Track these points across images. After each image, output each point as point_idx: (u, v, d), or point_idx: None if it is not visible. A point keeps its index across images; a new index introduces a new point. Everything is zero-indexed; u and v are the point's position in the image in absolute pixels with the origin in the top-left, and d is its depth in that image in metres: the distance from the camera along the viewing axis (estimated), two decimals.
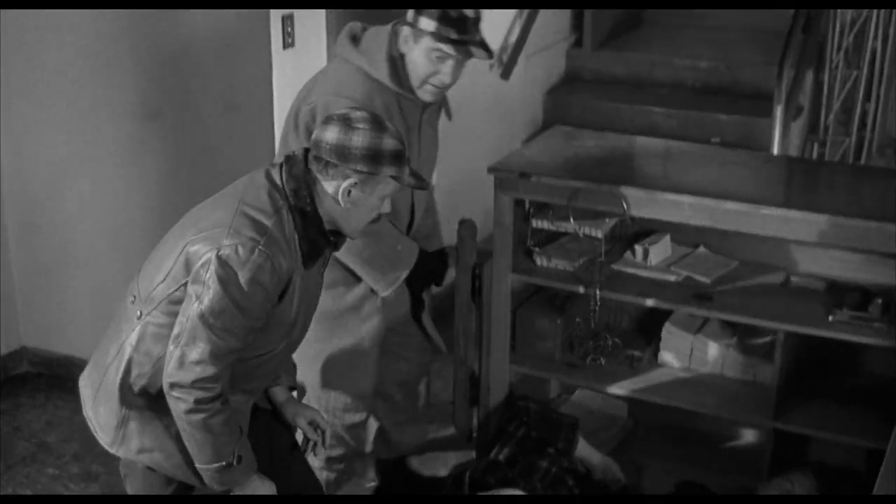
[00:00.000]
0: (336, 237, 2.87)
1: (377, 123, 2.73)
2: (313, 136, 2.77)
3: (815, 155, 6.26)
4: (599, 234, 3.88)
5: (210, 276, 2.66)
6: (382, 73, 3.33)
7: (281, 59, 4.28)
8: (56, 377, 5.07)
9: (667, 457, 4.17)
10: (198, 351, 2.68)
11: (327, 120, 2.76)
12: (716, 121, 6.09)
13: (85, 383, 3.00)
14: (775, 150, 5.15)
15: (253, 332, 2.76)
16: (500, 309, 3.96)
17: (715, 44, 6.99)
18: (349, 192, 2.73)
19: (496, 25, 5.81)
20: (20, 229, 4.91)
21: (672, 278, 3.90)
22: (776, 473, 3.80)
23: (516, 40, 5.92)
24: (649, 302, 3.85)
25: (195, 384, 2.69)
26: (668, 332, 4.09)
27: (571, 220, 3.84)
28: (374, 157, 2.70)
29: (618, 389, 4.02)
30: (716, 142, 5.85)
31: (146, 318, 2.81)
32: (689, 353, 4.05)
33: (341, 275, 3.57)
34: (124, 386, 2.85)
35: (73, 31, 4.52)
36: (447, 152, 5.21)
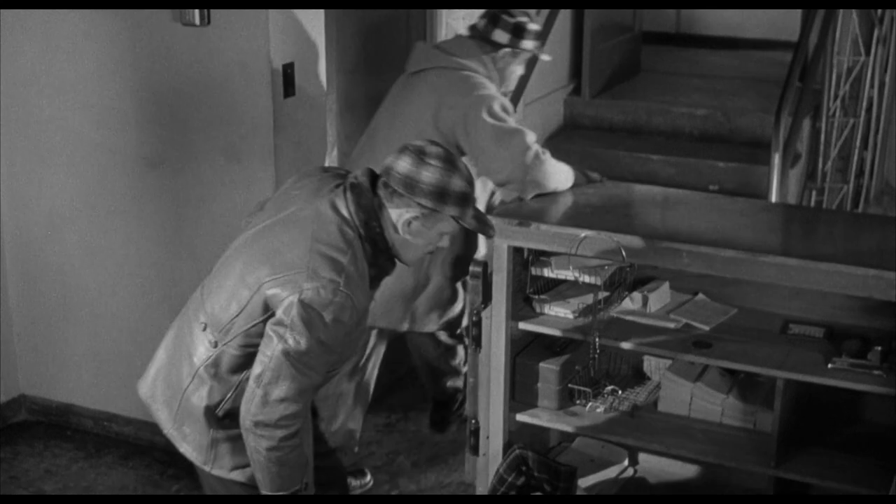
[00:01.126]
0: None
1: (449, 162, 2.81)
2: (386, 161, 2.84)
3: (812, 202, 6.29)
4: (598, 282, 3.88)
5: (294, 318, 2.72)
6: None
7: (281, 108, 4.31)
8: (54, 426, 5.05)
9: None
10: (282, 389, 2.74)
11: (402, 149, 2.84)
12: (713, 168, 6.12)
13: (155, 399, 3.05)
14: (773, 198, 5.17)
15: (332, 364, 2.86)
16: (498, 356, 3.96)
17: (712, 92, 7.05)
18: (410, 223, 2.82)
19: None
20: (20, 277, 4.91)
21: (671, 325, 3.90)
22: None
23: (515, 88, 5.95)
24: (648, 350, 3.85)
25: (279, 422, 2.75)
26: (668, 379, 4.08)
27: (571, 267, 3.85)
28: (439, 195, 2.78)
29: (617, 437, 4.00)
30: (714, 189, 5.87)
31: (222, 347, 2.87)
32: (688, 401, 4.04)
33: None
34: (209, 412, 2.92)
35: (73, 80, 4.55)
36: None
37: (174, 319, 3.15)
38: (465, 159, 3.22)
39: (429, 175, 2.76)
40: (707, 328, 3.88)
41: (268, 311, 2.79)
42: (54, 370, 5.01)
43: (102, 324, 4.82)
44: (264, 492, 2.85)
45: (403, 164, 2.79)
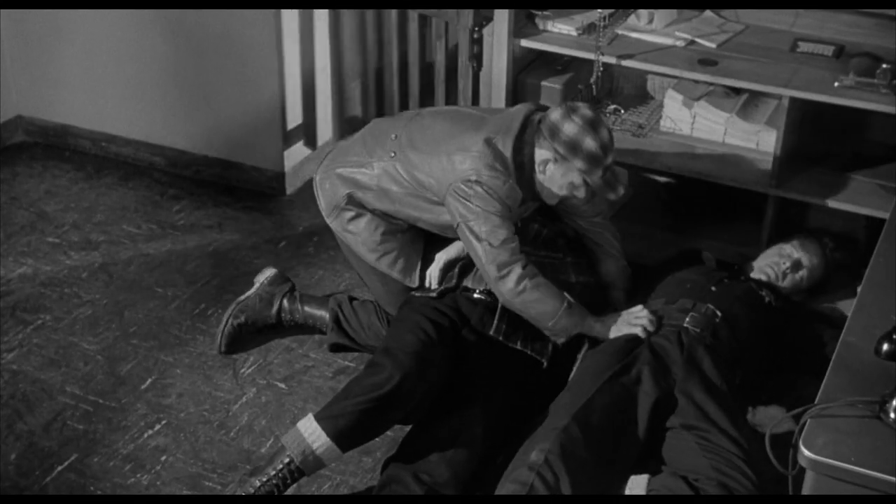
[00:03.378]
0: (538, 200, 3.38)
1: (591, 124, 3.21)
2: (548, 111, 3.31)
3: None
4: None
5: (475, 193, 3.24)
6: None
7: None
8: (52, 147, 5.04)
9: (666, 226, 4.18)
10: (493, 236, 3.27)
11: (561, 104, 3.30)
12: None
13: (325, 155, 3.63)
14: None
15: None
16: (500, 74, 3.90)
17: None
18: (546, 164, 3.26)
19: None
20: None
21: (677, 43, 3.82)
22: (776, 242, 3.80)
23: None
24: (653, 67, 3.78)
25: (506, 263, 3.27)
26: (671, 98, 4.03)
27: None
28: (572, 147, 3.20)
29: (618, 157, 3.97)
30: None
31: (394, 161, 3.40)
32: (691, 121, 4.01)
33: None
34: (353, 183, 3.47)
35: None
36: None
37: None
38: None
39: (569, 128, 3.20)
40: (713, 45, 3.80)
41: (445, 170, 3.29)
42: (50, 91, 4.95)
43: (94, 44, 4.72)
44: (548, 326, 3.34)
45: (555, 114, 3.24)
